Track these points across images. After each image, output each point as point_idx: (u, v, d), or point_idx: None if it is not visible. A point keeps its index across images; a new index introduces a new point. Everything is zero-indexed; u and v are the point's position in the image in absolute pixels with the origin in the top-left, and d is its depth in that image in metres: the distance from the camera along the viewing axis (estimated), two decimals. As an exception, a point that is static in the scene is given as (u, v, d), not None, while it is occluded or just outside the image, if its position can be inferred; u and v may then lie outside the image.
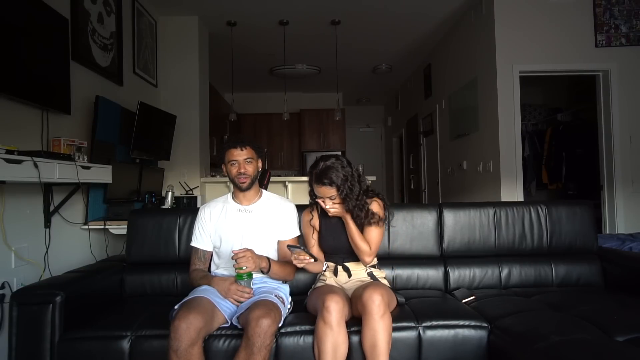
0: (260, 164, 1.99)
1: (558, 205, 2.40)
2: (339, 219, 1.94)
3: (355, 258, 1.95)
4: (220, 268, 1.96)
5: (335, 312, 1.60)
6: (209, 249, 1.99)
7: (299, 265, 1.76)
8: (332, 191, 1.84)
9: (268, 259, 1.84)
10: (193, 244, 2.00)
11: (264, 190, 2.07)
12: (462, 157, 4.87)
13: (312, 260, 1.74)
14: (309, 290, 1.99)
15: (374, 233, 1.93)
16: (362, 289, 1.72)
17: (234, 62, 5.46)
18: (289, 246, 1.78)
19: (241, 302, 1.74)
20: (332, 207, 1.87)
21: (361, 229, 1.92)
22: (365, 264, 1.95)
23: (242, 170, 1.90)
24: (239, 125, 7.56)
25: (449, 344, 1.75)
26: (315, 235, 2.00)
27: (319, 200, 1.90)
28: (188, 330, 1.51)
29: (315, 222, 2.00)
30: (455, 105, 5.07)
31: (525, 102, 4.63)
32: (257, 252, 1.83)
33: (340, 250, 1.96)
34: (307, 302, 1.90)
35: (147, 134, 3.60)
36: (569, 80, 5.41)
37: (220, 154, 1.99)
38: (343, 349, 1.61)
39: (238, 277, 1.74)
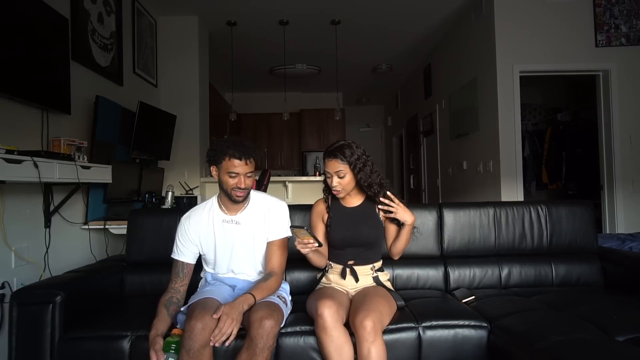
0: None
1: (558, 205, 2.40)
2: (356, 209, 1.92)
3: (363, 257, 1.91)
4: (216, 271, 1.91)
5: (328, 316, 1.58)
6: (191, 261, 1.83)
7: (304, 251, 1.68)
8: (341, 166, 1.82)
9: (252, 294, 1.64)
10: (174, 256, 1.82)
11: (252, 192, 1.87)
12: (462, 157, 4.87)
13: (317, 245, 1.67)
14: (310, 290, 1.97)
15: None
16: (358, 303, 1.69)
17: (234, 62, 5.47)
18: (291, 226, 1.66)
19: None
20: (338, 184, 1.83)
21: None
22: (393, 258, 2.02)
23: (243, 186, 1.72)
24: (239, 125, 7.56)
25: (448, 344, 1.74)
26: (322, 230, 1.96)
27: (328, 180, 1.87)
28: (203, 332, 1.50)
29: (325, 213, 1.96)
30: (456, 105, 5.07)
31: (525, 102, 4.63)
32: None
33: (352, 243, 1.88)
34: (306, 305, 1.87)
35: (147, 133, 3.60)
36: (569, 80, 5.41)
37: (216, 154, 1.72)
38: (347, 349, 1.58)
39: (166, 346, 1.55)
